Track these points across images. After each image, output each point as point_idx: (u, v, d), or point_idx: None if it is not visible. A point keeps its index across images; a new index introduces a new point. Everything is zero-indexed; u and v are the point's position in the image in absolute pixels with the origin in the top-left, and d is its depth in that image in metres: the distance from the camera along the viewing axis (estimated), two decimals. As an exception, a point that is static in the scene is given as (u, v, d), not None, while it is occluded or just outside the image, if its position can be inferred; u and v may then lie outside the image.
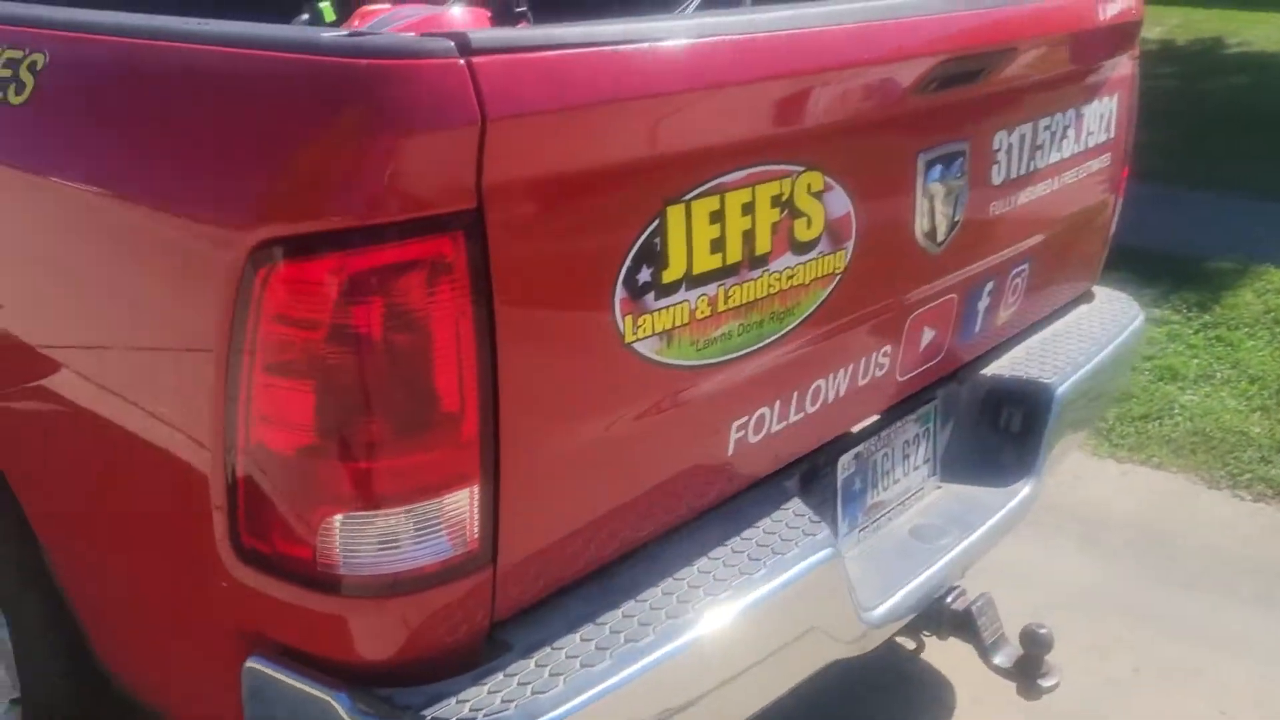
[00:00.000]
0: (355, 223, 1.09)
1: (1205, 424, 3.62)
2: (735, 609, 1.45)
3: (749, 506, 1.65)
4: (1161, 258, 5.05)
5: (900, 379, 1.91)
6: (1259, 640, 2.72)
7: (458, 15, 2.11)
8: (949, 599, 1.96)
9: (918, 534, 1.97)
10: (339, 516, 1.18)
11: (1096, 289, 2.70)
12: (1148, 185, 6.56)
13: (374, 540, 1.20)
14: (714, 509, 1.62)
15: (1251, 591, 2.91)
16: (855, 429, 1.89)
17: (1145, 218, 6.07)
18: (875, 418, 1.95)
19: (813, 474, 1.81)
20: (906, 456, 2.04)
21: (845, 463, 1.87)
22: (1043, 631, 1.94)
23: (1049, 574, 3.00)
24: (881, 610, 1.75)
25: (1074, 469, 3.49)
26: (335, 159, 1.09)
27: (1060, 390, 2.15)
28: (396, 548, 1.21)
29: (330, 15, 2.39)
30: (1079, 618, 2.82)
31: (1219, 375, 3.94)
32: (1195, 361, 4.05)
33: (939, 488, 2.13)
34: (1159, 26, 12.79)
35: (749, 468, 1.63)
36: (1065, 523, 3.24)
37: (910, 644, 2.46)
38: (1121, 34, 2.26)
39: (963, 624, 1.94)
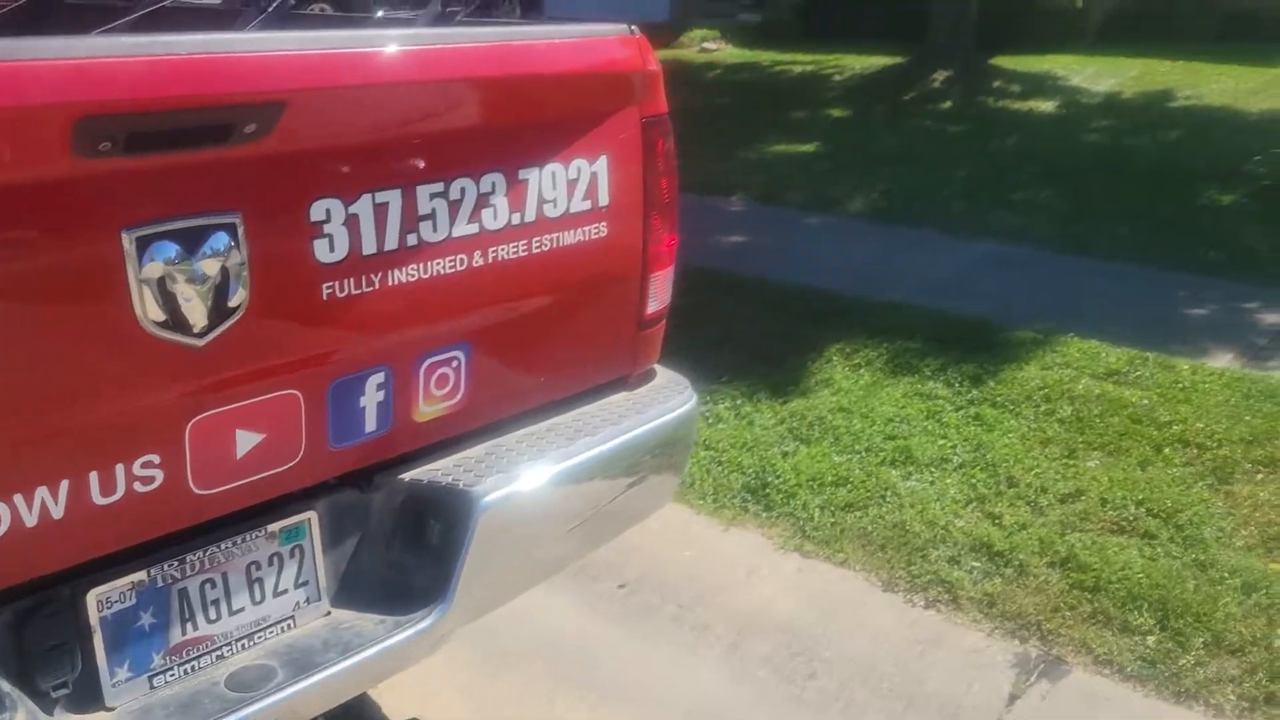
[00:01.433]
0: None
1: (909, 516, 3.26)
2: None
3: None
4: (967, 325, 4.72)
5: (204, 492, 1.59)
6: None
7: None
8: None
9: (236, 680, 1.64)
10: None
11: (661, 370, 2.40)
12: (1004, 246, 6.28)
13: None
14: None
15: None
16: (134, 554, 1.58)
17: (981, 281, 5.79)
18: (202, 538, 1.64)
19: (37, 611, 1.50)
20: (258, 581, 1.72)
21: (108, 596, 1.55)
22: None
23: (667, 688, 2.65)
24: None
25: (750, 563, 3.16)
26: None
27: (487, 500, 1.83)
28: None
29: None
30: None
31: (955, 460, 3.58)
32: (939, 444, 3.69)
33: (327, 614, 1.80)
34: (1113, 79, 12.52)
35: None
36: (717, 625, 2.90)
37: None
38: (583, 89, 1.96)
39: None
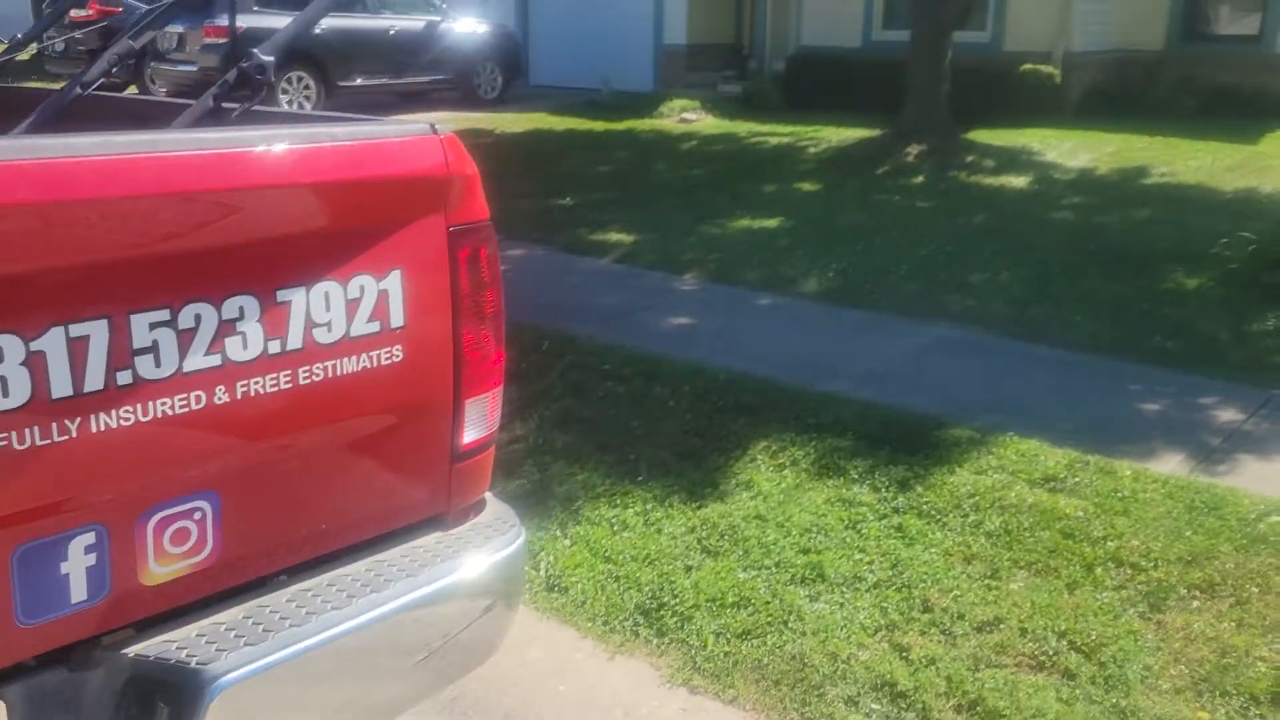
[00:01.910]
0: None
1: (810, 646, 2.96)
2: None
3: None
4: (904, 421, 4.45)
5: None
6: None
7: None
8: None
9: None
10: None
11: (493, 502, 2.13)
12: (956, 331, 6.01)
13: None
14: None
15: None
16: None
17: (928, 370, 5.51)
18: None
19: None
20: (-77, 786, 1.44)
21: None
22: None
23: None
24: None
25: (630, 700, 2.86)
26: None
27: (222, 681, 1.55)
28: None
29: None
30: None
31: (869, 578, 3.29)
32: (855, 558, 3.40)
33: (26, 821, 1.52)
34: (1089, 154, 12.42)
35: None
36: (582, 778, 2.59)
37: None
38: (364, 197, 1.73)
39: None
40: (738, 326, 6.02)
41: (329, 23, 15.30)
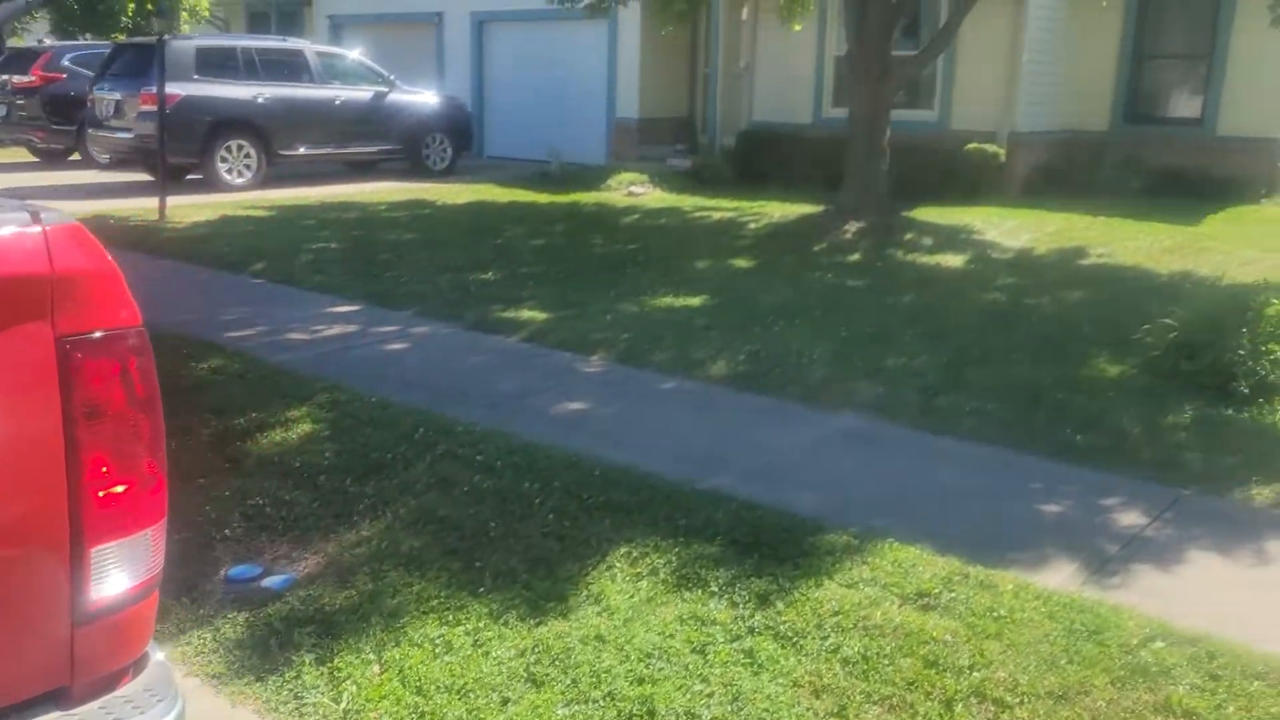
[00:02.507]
0: None
1: (616, 804, 2.58)
2: None
3: None
4: (779, 524, 4.11)
5: None
6: None
7: None
8: None
9: None
10: None
11: (159, 665, 1.76)
12: (860, 421, 5.67)
13: None
14: None
15: None
16: None
17: (820, 464, 5.18)
18: None
19: None
20: None
21: None
22: None
23: None
24: None
25: None
26: None
27: None
28: None
29: None
30: None
31: (705, 715, 2.92)
32: (694, 690, 3.03)
33: None
34: (1030, 234, 12.31)
35: None
36: None
37: None
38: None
39: None
40: (633, 413, 5.69)
41: (271, 91, 15.15)
